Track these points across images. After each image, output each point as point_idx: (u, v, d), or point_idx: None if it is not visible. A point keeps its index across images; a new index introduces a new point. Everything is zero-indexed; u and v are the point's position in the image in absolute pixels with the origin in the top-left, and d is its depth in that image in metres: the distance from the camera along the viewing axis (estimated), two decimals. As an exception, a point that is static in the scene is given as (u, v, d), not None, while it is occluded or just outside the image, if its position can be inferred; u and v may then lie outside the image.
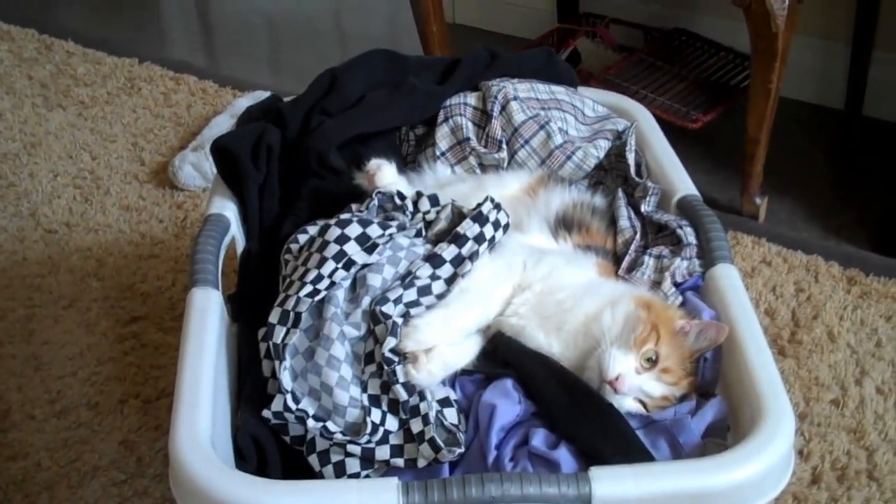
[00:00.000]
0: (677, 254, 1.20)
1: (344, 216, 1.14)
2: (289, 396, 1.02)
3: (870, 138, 2.28)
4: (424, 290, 1.10)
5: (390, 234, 1.13)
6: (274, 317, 1.08)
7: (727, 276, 1.15)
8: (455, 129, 1.41)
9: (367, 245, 1.11)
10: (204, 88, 2.48)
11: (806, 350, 1.62)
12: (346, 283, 1.10)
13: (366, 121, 1.38)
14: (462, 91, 1.44)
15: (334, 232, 1.11)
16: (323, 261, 1.09)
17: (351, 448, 1.01)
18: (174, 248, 1.93)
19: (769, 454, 0.92)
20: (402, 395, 1.03)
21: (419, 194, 1.20)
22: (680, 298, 1.16)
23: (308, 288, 1.07)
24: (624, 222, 1.27)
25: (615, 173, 1.41)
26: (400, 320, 1.06)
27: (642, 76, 2.27)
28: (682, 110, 2.13)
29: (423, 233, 1.18)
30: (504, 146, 1.39)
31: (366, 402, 1.03)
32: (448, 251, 1.12)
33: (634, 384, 1.03)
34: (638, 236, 1.25)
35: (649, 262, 1.20)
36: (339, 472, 1.01)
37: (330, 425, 1.02)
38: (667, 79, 2.26)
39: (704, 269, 1.18)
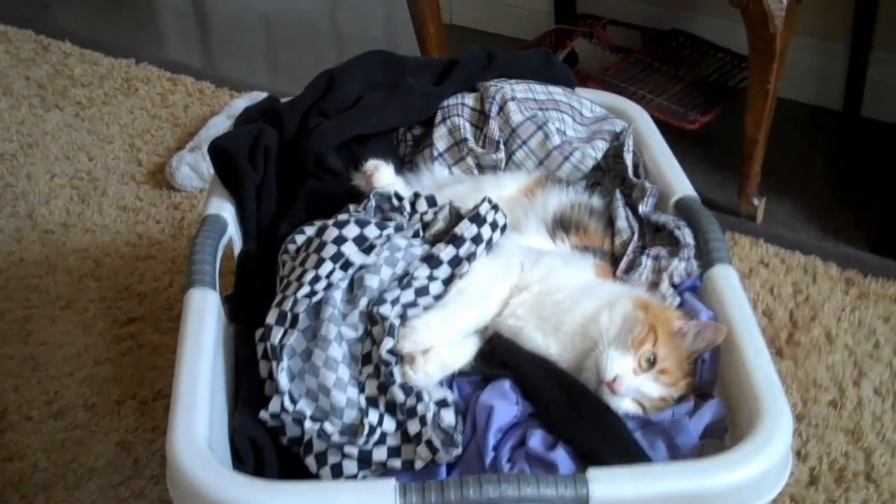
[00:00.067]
0: (675, 254, 1.20)
1: (341, 217, 1.14)
2: (286, 397, 1.02)
3: (868, 139, 2.28)
4: (422, 291, 1.09)
5: (388, 235, 1.13)
6: (271, 317, 1.08)
7: (725, 277, 1.14)
8: (453, 129, 1.41)
9: (365, 246, 1.11)
10: (201, 89, 2.48)
11: (804, 351, 1.62)
12: (344, 284, 1.10)
13: (363, 122, 1.38)
14: (459, 92, 1.44)
15: (332, 233, 1.11)
16: (320, 261, 1.09)
17: (348, 449, 1.01)
18: (171, 248, 1.92)
19: (767, 455, 0.92)
20: (400, 396, 1.02)
21: (417, 195, 1.20)
22: (678, 299, 1.16)
23: (305, 289, 1.07)
24: (622, 223, 1.27)
25: (613, 174, 1.40)
26: (397, 321, 1.06)
27: (640, 77, 2.27)
28: (679, 111, 2.12)
29: (421, 234, 1.18)
30: (502, 147, 1.39)
31: (363, 404, 1.03)
32: (445, 252, 1.12)
33: (632, 385, 1.03)
34: (636, 237, 1.24)
35: (647, 262, 1.20)
36: (337, 473, 1.01)
37: (327, 426, 1.01)
38: (664, 80, 2.26)
39: (702, 270, 1.18)
